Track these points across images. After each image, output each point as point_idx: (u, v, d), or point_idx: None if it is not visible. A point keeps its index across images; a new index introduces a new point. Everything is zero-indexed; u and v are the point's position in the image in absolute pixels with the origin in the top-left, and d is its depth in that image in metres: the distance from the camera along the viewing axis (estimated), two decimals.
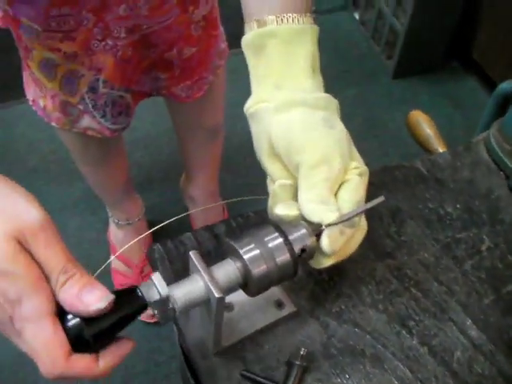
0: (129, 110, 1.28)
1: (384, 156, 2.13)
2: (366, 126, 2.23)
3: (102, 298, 0.49)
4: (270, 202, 0.71)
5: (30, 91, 1.25)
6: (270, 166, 0.71)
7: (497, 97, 1.06)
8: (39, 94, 1.22)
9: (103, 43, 1.08)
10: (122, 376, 1.64)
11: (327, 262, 0.67)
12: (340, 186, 0.68)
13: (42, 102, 1.23)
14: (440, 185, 0.88)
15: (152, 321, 1.65)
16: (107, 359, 0.50)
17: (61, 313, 0.48)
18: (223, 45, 1.34)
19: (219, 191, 1.86)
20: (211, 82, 1.35)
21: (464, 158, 0.92)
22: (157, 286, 0.55)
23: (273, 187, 0.71)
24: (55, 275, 0.49)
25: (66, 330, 0.48)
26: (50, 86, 1.16)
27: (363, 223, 0.70)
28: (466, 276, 0.79)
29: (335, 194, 0.68)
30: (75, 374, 0.48)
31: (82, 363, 0.49)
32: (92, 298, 0.48)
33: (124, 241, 1.78)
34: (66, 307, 0.49)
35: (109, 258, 1.81)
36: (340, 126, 0.71)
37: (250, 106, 0.72)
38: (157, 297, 0.54)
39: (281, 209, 0.68)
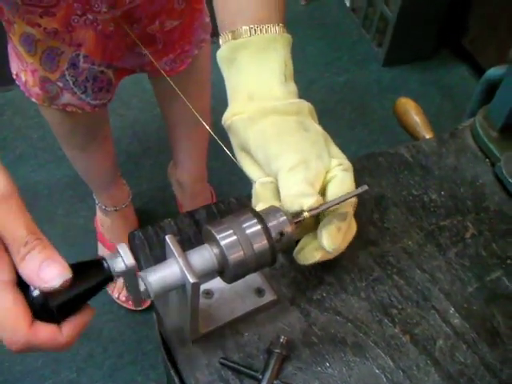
0: (110, 86, 1.27)
1: (373, 144, 2.12)
2: (355, 114, 2.22)
3: (59, 276, 0.48)
4: (253, 201, 0.71)
5: (14, 65, 1.25)
6: (255, 174, 0.72)
7: (484, 83, 1.05)
8: (21, 68, 1.21)
9: (83, 18, 1.07)
10: (109, 366, 1.63)
11: (317, 256, 0.68)
12: (326, 185, 0.69)
13: (23, 77, 1.22)
14: (425, 171, 0.87)
15: (139, 308, 1.64)
16: (70, 327, 0.50)
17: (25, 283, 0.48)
18: (207, 18, 1.34)
19: (207, 178, 1.85)
20: (195, 56, 1.34)
21: (449, 144, 0.91)
22: (123, 257, 0.53)
23: (254, 186, 0.71)
24: (16, 247, 0.48)
25: (30, 299, 0.47)
26: (30, 60, 1.16)
27: (352, 224, 0.71)
28: (450, 264, 0.78)
29: (322, 195, 0.68)
30: (39, 342, 0.48)
31: (46, 331, 0.48)
32: (49, 275, 0.47)
33: (111, 227, 1.77)
34: (27, 281, 0.48)
35: (96, 246, 1.81)
36: (314, 128, 0.72)
37: (226, 119, 0.74)
38: (123, 268, 0.52)
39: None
